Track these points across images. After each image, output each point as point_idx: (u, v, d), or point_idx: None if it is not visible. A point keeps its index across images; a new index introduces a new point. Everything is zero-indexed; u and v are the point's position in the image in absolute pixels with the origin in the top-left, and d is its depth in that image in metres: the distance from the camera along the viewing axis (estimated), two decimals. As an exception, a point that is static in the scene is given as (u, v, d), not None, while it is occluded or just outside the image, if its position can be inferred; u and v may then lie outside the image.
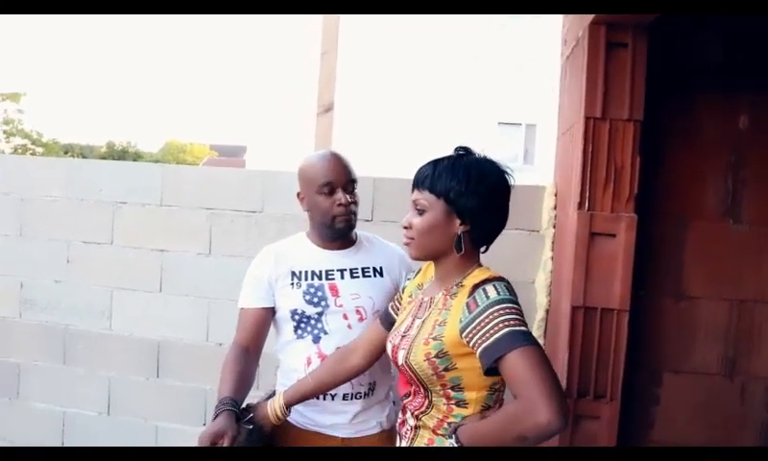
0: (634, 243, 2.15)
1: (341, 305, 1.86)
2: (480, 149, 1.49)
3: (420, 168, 1.49)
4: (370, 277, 1.94)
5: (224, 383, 1.80)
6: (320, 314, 1.87)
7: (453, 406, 1.42)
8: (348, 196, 1.85)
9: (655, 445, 2.35)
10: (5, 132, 21.73)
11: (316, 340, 1.87)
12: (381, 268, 1.96)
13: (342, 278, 1.90)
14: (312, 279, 1.89)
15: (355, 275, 1.92)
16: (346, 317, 1.87)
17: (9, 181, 3.08)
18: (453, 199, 1.42)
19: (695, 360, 2.35)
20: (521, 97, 13.30)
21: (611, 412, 2.16)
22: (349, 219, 1.87)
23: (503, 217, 1.47)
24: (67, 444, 3.05)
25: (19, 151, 21.00)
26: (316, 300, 1.86)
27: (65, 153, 23.32)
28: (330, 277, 1.90)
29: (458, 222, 1.43)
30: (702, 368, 2.35)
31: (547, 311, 2.57)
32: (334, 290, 1.88)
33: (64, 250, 3.02)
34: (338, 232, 1.89)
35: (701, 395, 2.35)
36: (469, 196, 1.41)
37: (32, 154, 20.60)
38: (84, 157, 21.65)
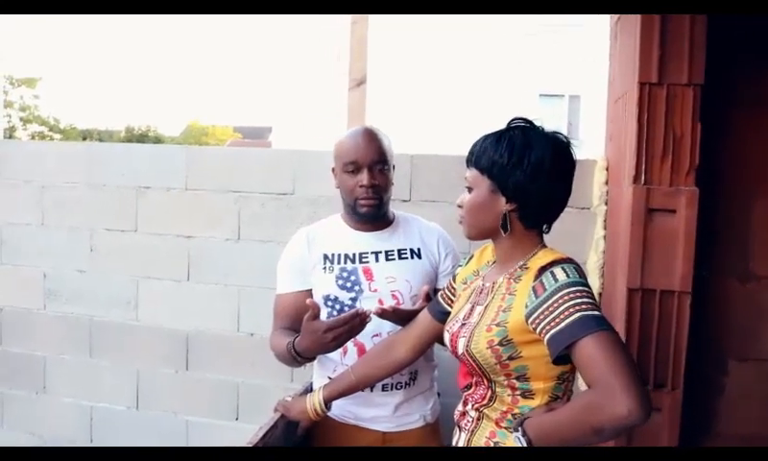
0: (695, 219, 2.09)
1: (375, 290, 1.86)
2: (538, 121, 1.46)
3: (473, 143, 1.48)
4: (406, 258, 1.93)
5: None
6: (353, 300, 1.87)
7: (518, 397, 1.40)
8: (372, 177, 1.83)
9: (719, 437, 2.30)
10: (21, 118, 22.17)
11: None
12: (419, 249, 1.95)
13: (377, 260, 1.90)
14: (345, 262, 1.90)
15: (391, 257, 1.91)
16: (381, 302, 1.84)
17: (29, 168, 3.13)
18: (497, 175, 1.41)
19: (763, 346, 2.29)
20: (564, 66, 13.13)
21: (672, 402, 2.12)
22: (372, 203, 1.85)
23: (559, 194, 1.44)
24: (96, 439, 3.11)
25: (36, 138, 21.41)
26: (349, 284, 1.87)
27: (83, 138, 23.73)
28: (364, 260, 1.90)
29: (503, 200, 1.42)
30: (770, 354, 2.29)
31: (600, 294, 2.53)
32: (368, 274, 1.88)
33: (87, 238, 3.07)
34: (362, 216, 1.89)
35: (770, 383, 2.30)
36: (512, 171, 1.39)
37: (49, 140, 20.99)
38: (102, 142, 22.01)
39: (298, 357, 1.77)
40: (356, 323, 1.67)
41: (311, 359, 1.83)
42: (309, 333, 1.69)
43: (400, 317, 1.75)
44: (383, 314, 1.70)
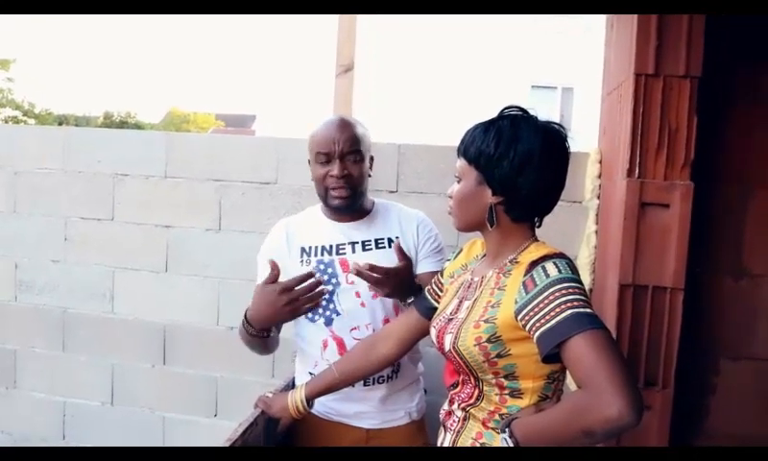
0: (689, 214, 2.10)
1: (352, 282, 1.85)
2: (533, 109, 1.44)
3: (465, 132, 1.47)
4: (384, 248, 1.92)
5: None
6: (330, 293, 1.87)
7: (506, 397, 1.39)
8: (343, 168, 1.82)
9: (710, 437, 2.32)
10: (-6, 102, 21.89)
11: (328, 323, 1.87)
12: (397, 237, 1.94)
13: (353, 251, 1.89)
14: (322, 254, 1.90)
15: (368, 247, 1.91)
16: (358, 295, 1.86)
17: (1, 153, 3.10)
18: (483, 166, 1.39)
19: (757, 345, 2.31)
20: (557, 58, 13.14)
21: (663, 401, 2.13)
22: (344, 194, 1.85)
23: (549, 187, 1.41)
24: (68, 436, 3.10)
25: (10, 122, 21.17)
26: (326, 277, 1.87)
27: (59, 124, 23.47)
28: (341, 251, 1.90)
29: (489, 192, 1.40)
30: (764, 354, 2.31)
31: (591, 290, 2.53)
32: (345, 265, 1.87)
33: (62, 227, 3.04)
34: (335, 209, 1.89)
35: (762, 383, 2.31)
36: (499, 163, 1.37)
37: (23, 125, 20.76)
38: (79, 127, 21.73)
39: (249, 328, 1.79)
40: (313, 285, 1.74)
41: (266, 336, 1.82)
42: (264, 295, 1.73)
43: (382, 274, 1.68)
44: (360, 274, 1.68)
